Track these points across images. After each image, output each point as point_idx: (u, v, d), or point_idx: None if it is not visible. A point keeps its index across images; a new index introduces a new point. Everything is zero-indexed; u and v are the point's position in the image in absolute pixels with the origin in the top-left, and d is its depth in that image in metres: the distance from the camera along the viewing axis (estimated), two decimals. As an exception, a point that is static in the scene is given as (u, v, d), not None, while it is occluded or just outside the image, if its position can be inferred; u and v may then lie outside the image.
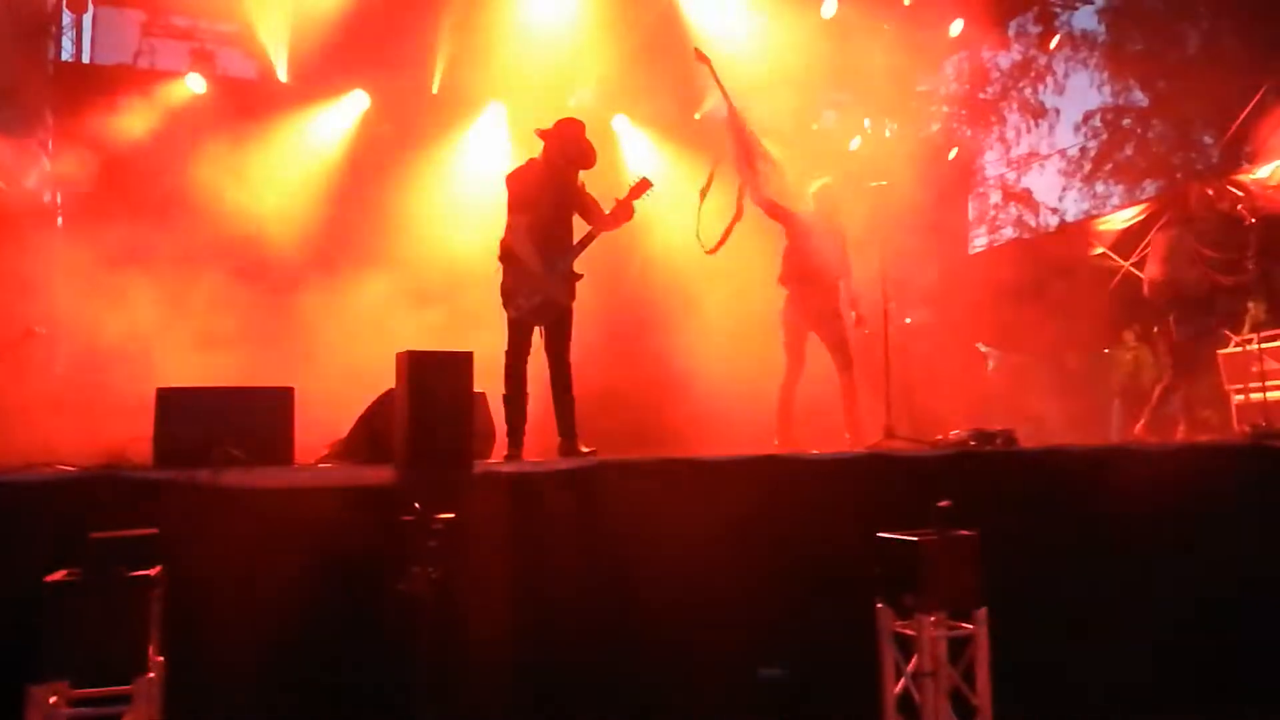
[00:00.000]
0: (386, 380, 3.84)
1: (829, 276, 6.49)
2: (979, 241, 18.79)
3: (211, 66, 9.71)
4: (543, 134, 5.31)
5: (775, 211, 6.52)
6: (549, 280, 5.10)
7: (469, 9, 9.55)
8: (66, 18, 9.63)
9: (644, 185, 5.34)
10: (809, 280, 6.41)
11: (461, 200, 9.37)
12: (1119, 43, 17.24)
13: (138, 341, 7.89)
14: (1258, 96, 11.81)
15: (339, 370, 7.68)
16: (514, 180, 5.24)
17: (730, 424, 8.22)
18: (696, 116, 11.51)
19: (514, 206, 5.19)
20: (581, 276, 5.34)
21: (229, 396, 4.55)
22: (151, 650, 2.81)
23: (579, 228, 5.37)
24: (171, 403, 4.38)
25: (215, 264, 8.41)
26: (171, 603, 2.92)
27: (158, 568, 2.88)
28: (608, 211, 5.27)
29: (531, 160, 5.37)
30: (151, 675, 2.79)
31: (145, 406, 4.41)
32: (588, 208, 5.34)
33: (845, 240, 6.62)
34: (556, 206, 5.24)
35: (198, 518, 3.36)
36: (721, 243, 6.50)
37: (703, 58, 6.73)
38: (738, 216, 6.51)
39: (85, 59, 10.00)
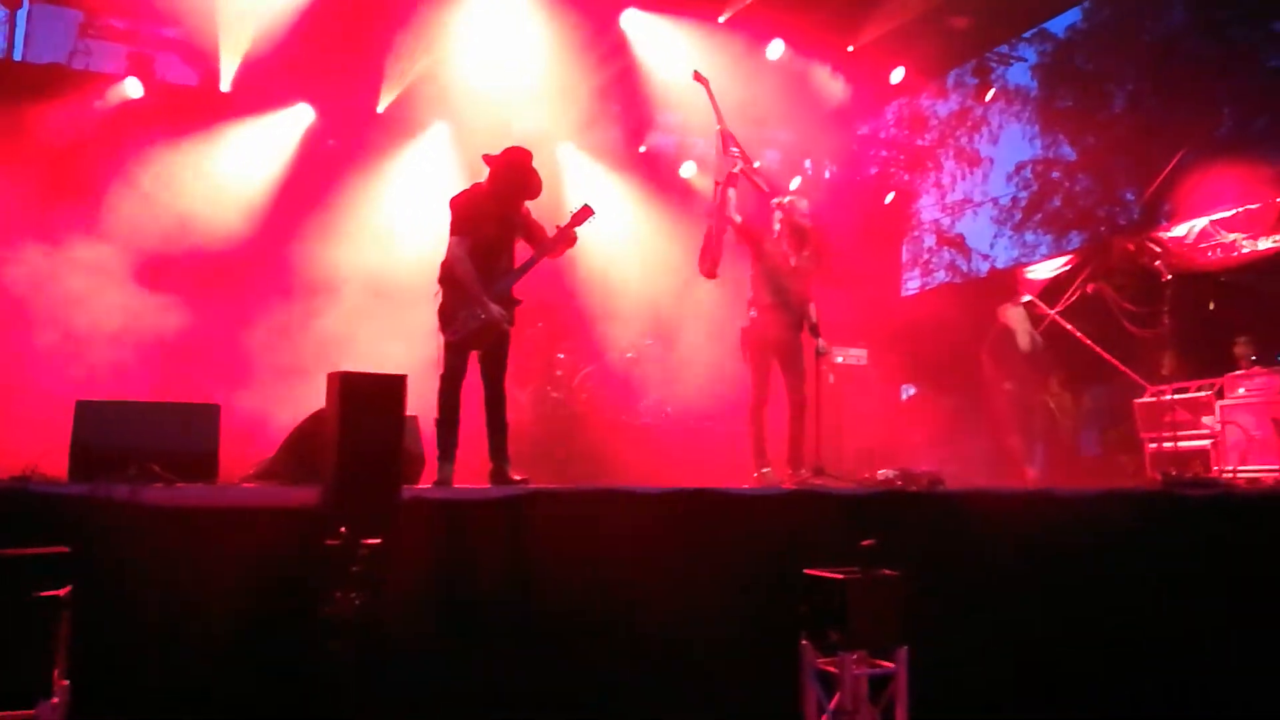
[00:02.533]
0: (317, 399, 3.78)
1: (796, 305, 6.48)
2: (912, 284, 19.27)
3: (150, 71, 9.52)
4: (489, 160, 5.32)
5: (746, 234, 6.55)
6: (488, 304, 5.09)
7: (417, 29, 9.54)
8: (0, 13, 9.37)
9: (586, 212, 5.38)
10: (776, 307, 6.43)
11: (403, 219, 9.32)
12: (1050, 99, 17.93)
13: (57, 349, 7.66)
14: (1176, 159, 12.37)
15: (269, 387, 7.56)
16: (457, 203, 5.24)
17: (677, 454, 8.28)
18: (641, 149, 11.65)
19: (455, 229, 5.19)
20: (520, 302, 5.34)
21: (152, 411, 4.45)
22: (57, 674, 2.71)
23: (524, 255, 5.38)
24: (91, 415, 4.26)
25: (144, 272, 8.21)
26: (81, 625, 2.81)
27: (67, 588, 2.78)
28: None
29: (476, 185, 5.37)
30: (55, 700, 2.69)
31: (63, 417, 4.28)
32: (532, 234, 5.36)
33: (814, 261, 6.60)
34: (499, 232, 5.24)
35: (112, 536, 3.25)
36: (715, 266, 6.46)
37: (700, 79, 6.81)
38: (721, 233, 6.47)
39: (17, 56, 9.73)
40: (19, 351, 7.69)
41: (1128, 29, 13.56)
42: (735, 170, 6.49)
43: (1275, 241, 9.44)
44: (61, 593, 2.75)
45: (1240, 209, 9.92)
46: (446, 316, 5.17)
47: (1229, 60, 13.97)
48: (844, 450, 8.44)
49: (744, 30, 10.22)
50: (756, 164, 6.86)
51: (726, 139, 6.59)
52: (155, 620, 3.20)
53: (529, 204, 5.42)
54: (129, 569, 3.21)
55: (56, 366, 7.50)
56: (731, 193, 6.47)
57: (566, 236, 5.29)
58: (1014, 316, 9.36)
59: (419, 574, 3.60)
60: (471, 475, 5.55)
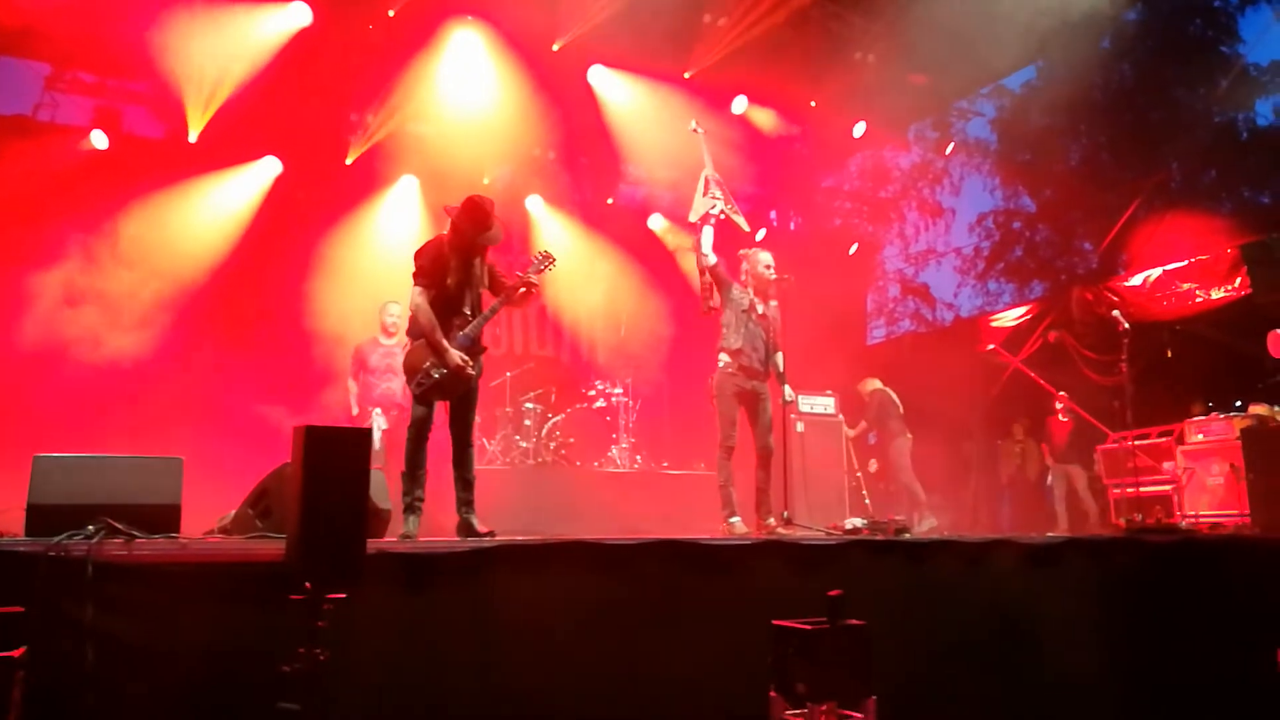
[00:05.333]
0: (282, 453, 3.75)
1: (763, 352, 6.51)
2: (878, 332, 19.50)
3: (117, 124, 9.52)
4: (450, 211, 5.34)
5: (718, 277, 6.60)
6: (449, 354, 5.08)
7: (385, 83, 9.65)
8: (-36, 66, 9.35)
9: (547, 259, 5.44)
10: (743, 353, 6.45)
11: (371, 271, 9.33)
12: (1008, 152, 18.36)
13: (14, 402, 7.54)
14: (1129, 210, 12.69)
15: (234, 440, 7.47)
16: (419, 255, 5.26)
17: (647, 503, 8.27)
18: (609, 201, 11.79)
19: (417, 280, 5.21)
20: (486, 349, 5.35)
21: (113, 465, 4.36)
22: (8, 737, 2.65)
23: (490, 304, 5.41)
24: (49, 470, 4.18)
25: (107, 324, 8.14)
26: (36, 687, 2.75)
27: (22, 649, 2.72)
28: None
29: (439, 236, 5.39)
30: (7, 765, 2.62)
31: (20, 473, 4.20)
32: (497, 284, 5.38)
33: (779, 311, 6.69)
34: (462, 281, 5.24)
35: (70, 595, 3.18)
36: (704, 302, 6.63)
37: (697, 130, 7.15)
38: (703, 275, 6.63)
39: (-19, 108, 9.70)
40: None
41: (1079, 85, 13.99)
42: (713, 211, 6.61)
43: (1227, 291, 9.70)
44: (16, 653, 2.69)
45: (1193, 260, 10.20)
46: (412, 368, 5.16)
47: (1177, 116, 14.44)
48: (812, 498, 8.48)
49: (708, 86, 10.44)
50: (739, 215, 6.95)
51: (709, 183, 6.76)
52: (114, 681, 3.13)
53: (496, 253, 5.45)
54: (87, 628, 3.14)
55: (13, 419, 7.38)
56: (708, 232, 6.58)
57: (527, 284, 5.31)
58: (879, 382, 10.08)
59: (383, 627, 3.56)
60: (437, 528, 5.51)
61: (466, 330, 5.19)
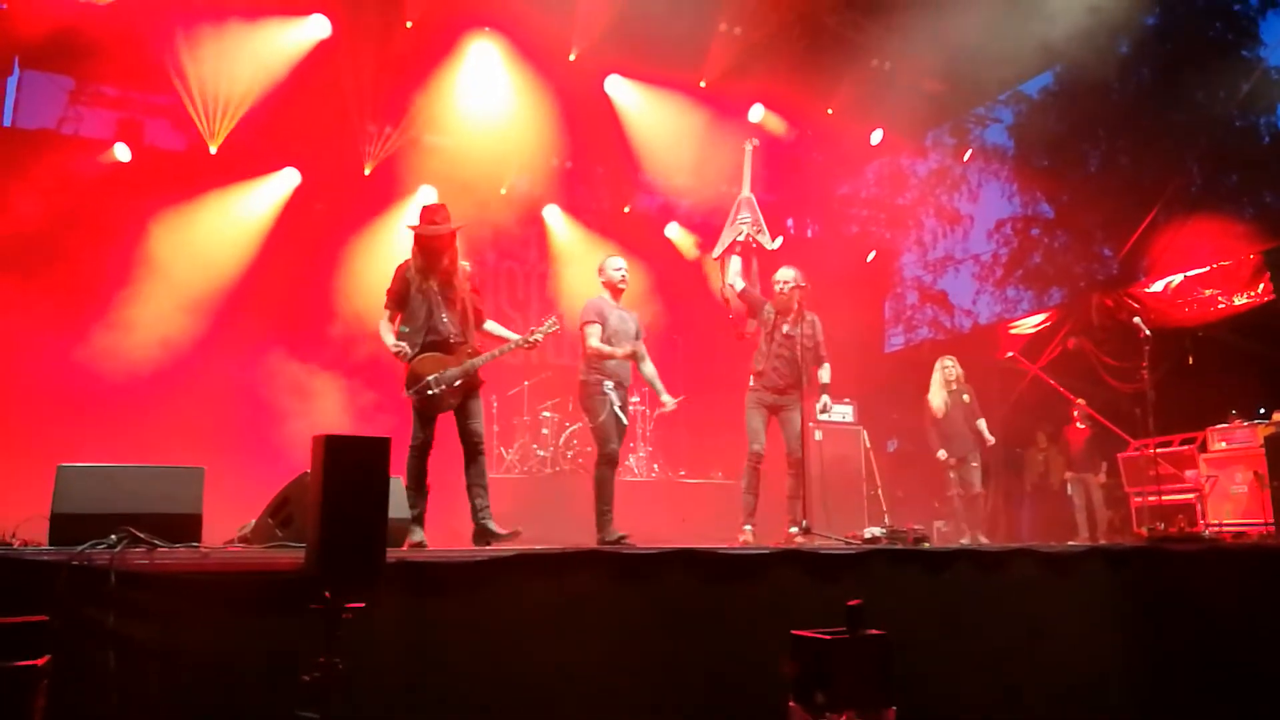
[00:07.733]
0: (302, 462, 3.78)
1: (790, 369, 6.51)
2: (896, 340, 19.40)
3: (139, 137, 9.64)
4: (413, 228, 5.40)
5: (750, 300, 6.68)
6: (387, 342, 5.23)
7: (404, 94, 9.71)
8: (-10, 80, 9.49)
9: (553, 322, 5.64)
10: (770, 373, 6.51)
11: (389, 280, 9.35)
12: (1026, 158, 18.25)
13: (39, 413, 7.62)
14: (1150, 216, 12.59)
15: (253, 450, 7.52)
16: (394, 276, 5.39)
17: (666, 512, 8.25)
18: (626, 210, 11.81)
19: (385, 303, 5.38)
20: (483, 383, 5.39)
21: (135, 474, 4.40)
22: (32, 745, 2.66)
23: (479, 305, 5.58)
24: (72, 479, 4.21)
25: (130, 335, 8.21)
26: (59, 695, 2.77)
27: (45, 658, 2.74)
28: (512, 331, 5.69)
29: (400, 264, 5.46)
30: (30, 772, 2.63)
31: (44, 482, 4.24)
32: (478, 306, 5.51)
33: (818, 329, 6.70)
34: (435, 292, 5.29)
35: (93, 603, 3.21)
36: (740, 327, 6.77)
37: (746, 145, 7.29)
38: (728, 304, 6.79)
39: (7, 122, 9.82)
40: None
41: (1097, 90, 13.90)
42: (740, 238, 6.69)
43: (1250, 297, 9.60)
44: (39, 662, 2.71)
45: (1215, 265, 10.10)
46: (415, 377, 5.22)
47: (1197, 120, 14.32)
48: (830, 506, 8.44)
49: (724, 95, 10.45)
50: (764, 234, 6.97)
51: (740, 207, 6.83)
52: (136, 689, 3.15)
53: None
54: (110, 637, 3.17)
55: (37, 430, 7.45)
56: (736, 260, 6.67)
57: (530, 341, 5.51)
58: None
59: (403, 635, 3.57)
60: (454, 537, 5.54)
61: (465, 365, 5.24)
